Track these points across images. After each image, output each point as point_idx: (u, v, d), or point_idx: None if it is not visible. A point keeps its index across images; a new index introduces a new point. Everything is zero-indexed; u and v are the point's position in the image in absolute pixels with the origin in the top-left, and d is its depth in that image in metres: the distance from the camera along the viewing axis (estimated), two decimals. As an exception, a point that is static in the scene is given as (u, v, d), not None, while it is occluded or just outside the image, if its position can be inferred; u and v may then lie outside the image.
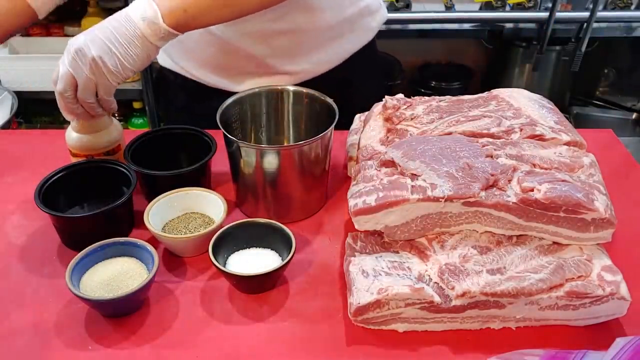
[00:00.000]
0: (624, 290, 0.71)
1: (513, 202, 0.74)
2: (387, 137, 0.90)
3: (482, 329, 0.74)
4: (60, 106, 0.87)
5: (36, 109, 2.38)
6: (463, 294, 0.70)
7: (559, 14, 2.11)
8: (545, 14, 2.11)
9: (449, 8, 2.24)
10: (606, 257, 0.76)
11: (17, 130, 1.80)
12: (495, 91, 0.98)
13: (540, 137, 0.86)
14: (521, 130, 0.87)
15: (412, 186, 0.76)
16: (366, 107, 1.03)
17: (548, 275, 0.72)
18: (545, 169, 0.79)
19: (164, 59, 1.18)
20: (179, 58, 1.14)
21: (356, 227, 0.77)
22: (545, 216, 0.74)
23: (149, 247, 0.78)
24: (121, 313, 0.75)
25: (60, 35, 2.25)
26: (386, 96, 0.96)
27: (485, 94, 0.98)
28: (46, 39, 2.23)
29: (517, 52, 2.38)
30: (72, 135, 0.92)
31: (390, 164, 0.82)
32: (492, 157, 0.80)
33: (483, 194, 0.74)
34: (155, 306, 0.77)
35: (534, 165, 0.80)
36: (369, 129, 0.94)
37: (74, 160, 0.93)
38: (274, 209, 0.90)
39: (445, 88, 2.44)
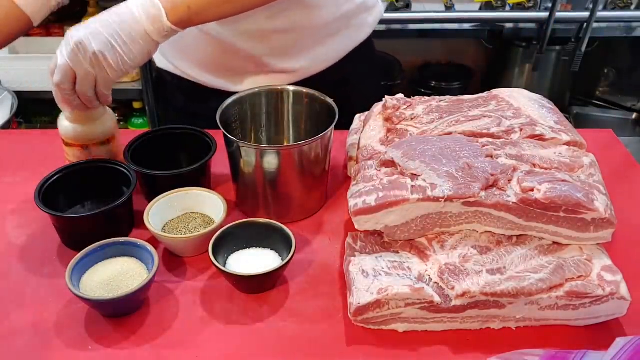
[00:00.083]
0: (624, 290, 0.71)
1: (513, 202, 0.74)
2: (387, 137, 0.90)
3: (482, 329, 0.74)
4: (56, 97, 0.86)
5: (36, 109, 2.38)
6: (463, 294, 0.70)
7: (559, 14, 2.11)
8: (545, 14, 2.11)
9: (449, 8, 2.24)
10: (606, 257, 0.76)
11: (17, 130, 1.80)
12: (495, 91, 0.98)
13: (540, 137, 0.86)
14: (521, 130, 0.87)
15: (412, 186, 0.76)
16: (366, 107, 1.03)
17: (548, 275, 0.72)
18: (545, 169, 0.79)
19: (160, 60, 1.18)
20: (176, 59, 1.14)
21: (356, 227, 0.77)
22: (545, 216, 0.74)
23: (149, 247, 0.78)
24: (121, 313, 0.75)
25: (60, 35, 2.25)
26: (386, 96, 0.96)
27: (485, 94, 0.98)
28: (46, 39, 2.23)
29: (517, 52, 2.38)
30: (64, 124, 0.91)
31: (390, 164, 0.82)
32: (492, 157, 0.80)
33: (483, 194, 0.74)
34: (155, 306, 0.77)
35: (534, 165, 0.80)
36: (369, 129, 0.94)
37: (67, 149, 0.92)
38: (274, 209, 0.90)
39: (445, 88, 2.44)
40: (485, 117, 0.90)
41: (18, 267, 0.83)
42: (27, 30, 1.04)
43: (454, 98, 0.97)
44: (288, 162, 0.86)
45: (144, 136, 0.96)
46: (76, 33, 0.81)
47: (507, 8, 2.23)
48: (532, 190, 0.74)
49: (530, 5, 2.20)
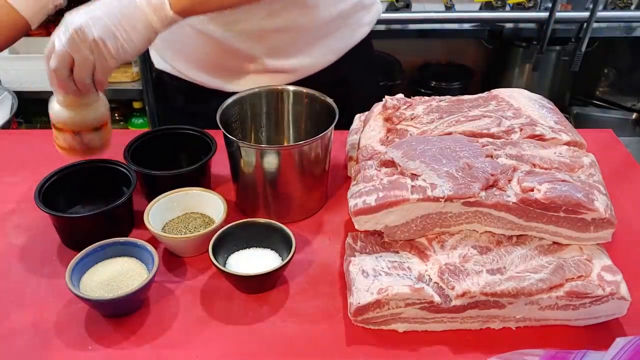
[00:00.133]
0: (624, 290, 0.71)
1: (513, 202, 0.74)
2: (387, 137, 0.90)
3: (482, 329, 0.74)
4: (51, 82, 0.84)
5: (36, 109, 2.38)
6: (463, 294, 0.70)
7: (559, 14, 2.11)
8: (545, 14, 2.11)
9: (449, 8, 2.24)
10: (606, 257, 0.76)
11: (17, 130, 1.80)
12: (495, 91, 0.98)
13: (540, 137, 0.86)
14: (521, 130, 0.87)
15: (412, 186, 0.76)
16: (366, 107, 1.03)
17: (548, 275, 0.71)
18: (545, 169, 0.79)
19: (159, 62, 1.17)
20: (175, 60, 1.13)
21: (356, 227, 0.77)
22: (545, 216, 0.74)
23: (149, 247, 0.78)
24: (121, 313, 0.75)
25: (61, 35, 2.25)
26: (386, 96, 0.96)
27: (485, 94, 0.98)
28: (46, 39, 2.20)
29: (517, 52, 2.38)
30: (56, 107, 0.88)
31: (390, 164, 0.82)
32: (492, 157, 0.80)
33: (483, 194, 0.74)
34: (155, 306, 0.77)
35: (534, 165, 0.80)
36: (369, 129, 0.94)
37: (57, 133, 0.89)
38: (274, 209, 0.90)
39: (445, 88, 2.44)
40: (485, 117, 0.90)
41: (18, 267, 0.83)
42: (25, 33, 1.03)
43: (454, 98, 0.97)
44: (288, 162, 0.85)
45: (144, 136, 0.96)
46: (76, 19, 0.79)
47: (507, 8, 2.23)
48: (532, 190, 0.74)
49: (530, 5, 2.20)
